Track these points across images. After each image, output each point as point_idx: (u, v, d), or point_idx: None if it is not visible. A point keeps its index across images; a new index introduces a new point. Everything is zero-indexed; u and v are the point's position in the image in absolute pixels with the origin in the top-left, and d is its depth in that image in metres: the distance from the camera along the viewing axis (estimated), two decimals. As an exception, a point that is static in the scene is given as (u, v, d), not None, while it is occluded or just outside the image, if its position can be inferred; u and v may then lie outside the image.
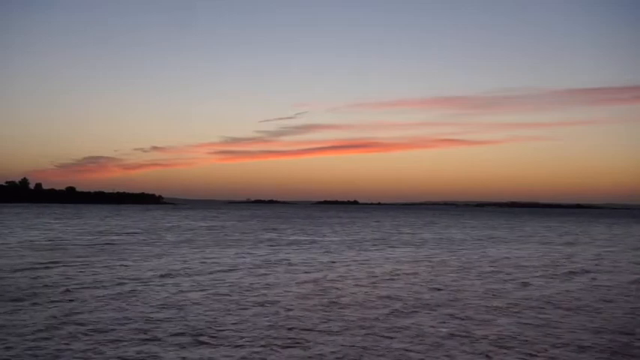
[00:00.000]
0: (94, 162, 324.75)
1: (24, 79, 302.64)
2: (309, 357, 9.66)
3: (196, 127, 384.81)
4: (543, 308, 14.34)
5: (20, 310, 12.95)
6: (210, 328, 11.57)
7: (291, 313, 13.23)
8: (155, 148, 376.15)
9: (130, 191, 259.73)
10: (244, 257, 26.30)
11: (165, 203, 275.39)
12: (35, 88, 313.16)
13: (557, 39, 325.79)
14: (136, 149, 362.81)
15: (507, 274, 21.57)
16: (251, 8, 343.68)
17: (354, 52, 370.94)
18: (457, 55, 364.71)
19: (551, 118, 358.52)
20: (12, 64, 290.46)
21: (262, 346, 10.27)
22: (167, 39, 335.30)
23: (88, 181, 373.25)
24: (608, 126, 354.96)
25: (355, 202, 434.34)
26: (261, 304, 14.23)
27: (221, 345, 10.27)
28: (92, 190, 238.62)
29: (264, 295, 15.75)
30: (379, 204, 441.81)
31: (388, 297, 15.75)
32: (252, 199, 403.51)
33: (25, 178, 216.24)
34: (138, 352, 9.66)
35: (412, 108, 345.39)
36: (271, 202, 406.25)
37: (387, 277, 19.92)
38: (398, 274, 20.85)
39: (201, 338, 10.68)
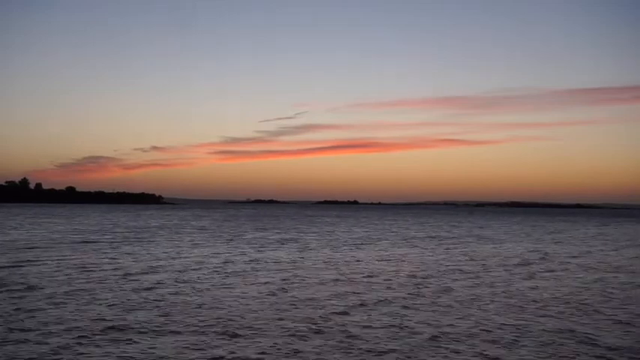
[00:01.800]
0: (94, 162, 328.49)
1: (24, 79, 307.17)
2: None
3: (196, 127, 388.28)
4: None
5: None
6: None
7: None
8: (155, 148, 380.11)
9: (130, 191, 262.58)
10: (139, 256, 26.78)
11: (165, 203, 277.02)
12: (35, 88, 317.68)
13: (557, 39, 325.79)
14: (136, 149, 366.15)
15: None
16: (251, 8, 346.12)
17: (354, 52, 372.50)
18: (457, 55, 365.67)
19: (551, 118, 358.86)
20: (12, 64, 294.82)
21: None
22: (167, 39, 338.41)
23: (88, 181, 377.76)
24: (608, 126, 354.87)
25: (355, 202, 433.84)
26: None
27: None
28: (92, 190, 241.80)
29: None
30: (379, 204, 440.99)
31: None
32: (252, 199, 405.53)
33: (25, 178, 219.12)
34: None
35: (412, 108, 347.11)
36: (271, 202, 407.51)
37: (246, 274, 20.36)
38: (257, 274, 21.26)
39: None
